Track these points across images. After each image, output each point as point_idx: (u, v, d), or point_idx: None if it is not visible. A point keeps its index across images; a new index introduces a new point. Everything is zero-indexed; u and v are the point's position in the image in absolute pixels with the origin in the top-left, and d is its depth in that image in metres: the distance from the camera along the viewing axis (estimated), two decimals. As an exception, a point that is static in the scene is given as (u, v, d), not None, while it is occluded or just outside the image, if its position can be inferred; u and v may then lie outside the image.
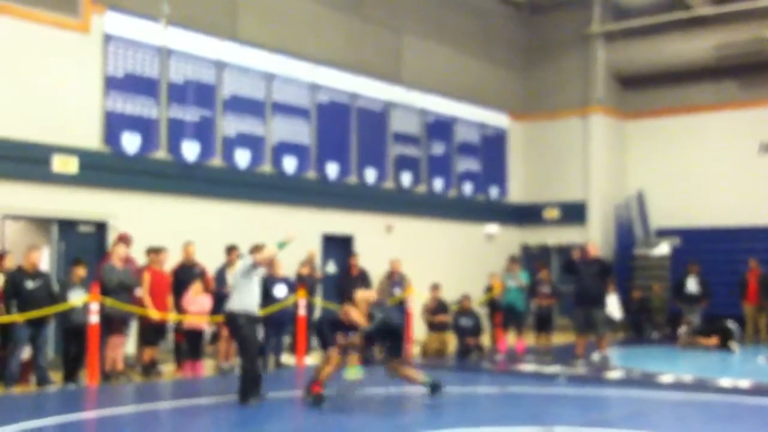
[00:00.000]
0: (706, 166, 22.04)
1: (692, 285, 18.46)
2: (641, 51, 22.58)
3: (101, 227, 13.87)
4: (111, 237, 13.47)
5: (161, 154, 14.81)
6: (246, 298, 10.03)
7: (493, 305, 16.88)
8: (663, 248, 21.74)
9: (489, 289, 17.00)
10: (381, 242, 18.44)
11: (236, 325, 10.00)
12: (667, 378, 12.19)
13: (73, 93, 13.60)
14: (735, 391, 11.14)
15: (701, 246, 20.80)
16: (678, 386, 11.58)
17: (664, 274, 21.05)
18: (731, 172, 21.67)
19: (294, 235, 10.08)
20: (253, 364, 9.93)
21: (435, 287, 16.00)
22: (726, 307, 18.55)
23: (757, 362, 15.00)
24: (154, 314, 12.28)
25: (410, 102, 19.88)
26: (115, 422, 8.99)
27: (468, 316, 15.61)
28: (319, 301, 15.70)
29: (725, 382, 11.70)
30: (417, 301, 16.42)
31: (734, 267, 19.07)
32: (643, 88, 23.23)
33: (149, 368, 12.41)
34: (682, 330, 17.54)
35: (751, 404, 10.26)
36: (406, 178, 19.66)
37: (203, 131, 15.39)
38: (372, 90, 18.89)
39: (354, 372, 10.08)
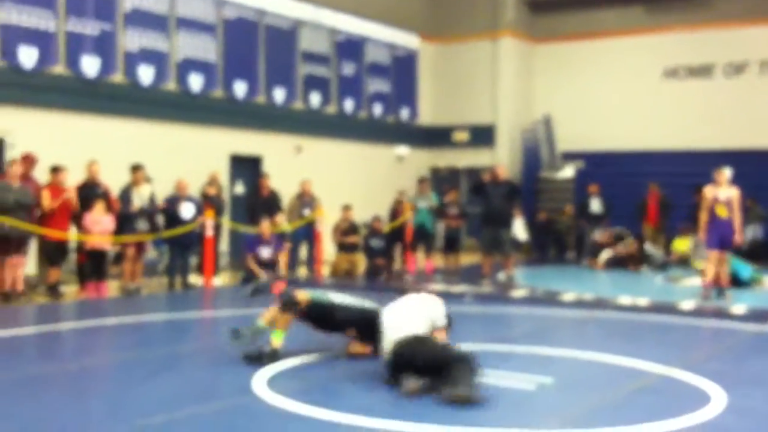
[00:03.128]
0: (611, 91, 22.39)
1: (596, 205, 18.98)
2: (551, -26, 22.61)
3: (-3, 144, 13.30)
4: (8, 154, 12.94)
5: (60, 68, 14.19)
6: None
7: (397, 233, 16.73)
8: (567, 171, 22.15)
9: (394, 213, 16.97)
10: (290, 163, 18.23)
11: None
12: (568, 296, 12.53)
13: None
14: (633, 309, 11.54)
15: (604, 169, 21.23)
16: (579, 304, 11.93)
17: (568, 197, 21.46)
18: (635, 98, 22.09)
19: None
20: None
21: (346, 208, 15.98)
22: (627, 227, 19.13)
23: (655, 282, 15.57)
24: (54, 233, 11.91)
25: (320, 20, 19.48)
26: (14, 343, 8.75)
27: (378, 237, 15.67)
28: (227, 222, 15.52)
29: (624, 300, 12.10)
30: (327, 221, 16.38)
31: (635, 190, 19.55)
32: (552, 13, 23.30)
33: (53, 289, 12.09)
34: (604, 255, 17.85)
35: (648, 321, 10.65)
36: (316, 99, 19.38)
37: (104, 46, 14.77)
38: (280, 7, 18.41)
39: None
